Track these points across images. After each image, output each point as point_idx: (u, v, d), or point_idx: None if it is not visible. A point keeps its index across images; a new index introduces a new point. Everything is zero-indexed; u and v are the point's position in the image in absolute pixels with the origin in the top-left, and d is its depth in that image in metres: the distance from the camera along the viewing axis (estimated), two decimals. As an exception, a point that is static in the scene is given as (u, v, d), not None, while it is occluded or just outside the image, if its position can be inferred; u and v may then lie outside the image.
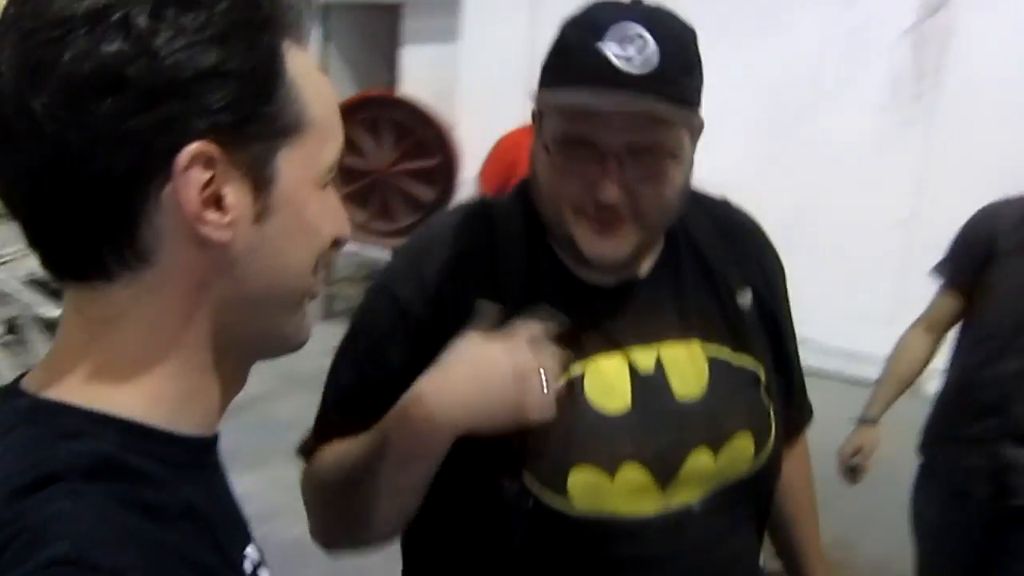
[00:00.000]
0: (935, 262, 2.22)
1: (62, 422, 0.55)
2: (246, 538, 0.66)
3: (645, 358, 1.10)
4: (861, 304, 5.28)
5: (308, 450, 1.14)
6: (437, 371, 0.96)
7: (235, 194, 0.57)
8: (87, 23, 0.52)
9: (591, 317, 1.09)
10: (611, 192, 0.99)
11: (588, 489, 1.04)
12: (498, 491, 1.03)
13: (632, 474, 1.06)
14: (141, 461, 0.55)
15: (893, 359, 2.25)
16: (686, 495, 1.09)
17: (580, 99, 0.98)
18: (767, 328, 1.21)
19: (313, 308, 0.69)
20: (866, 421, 2.28)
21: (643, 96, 0.96)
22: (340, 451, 1.07)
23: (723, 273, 1.18)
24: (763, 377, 1.17)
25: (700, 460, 1.09)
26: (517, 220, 1.12)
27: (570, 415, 1.02)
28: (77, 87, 0.52)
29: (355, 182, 5.71)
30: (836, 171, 5.19)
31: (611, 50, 0.95)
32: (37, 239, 0.58)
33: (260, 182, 0.58)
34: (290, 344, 0.66)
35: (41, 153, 0.53)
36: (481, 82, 6.18)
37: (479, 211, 1.17)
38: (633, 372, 1.09)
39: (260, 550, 0.67)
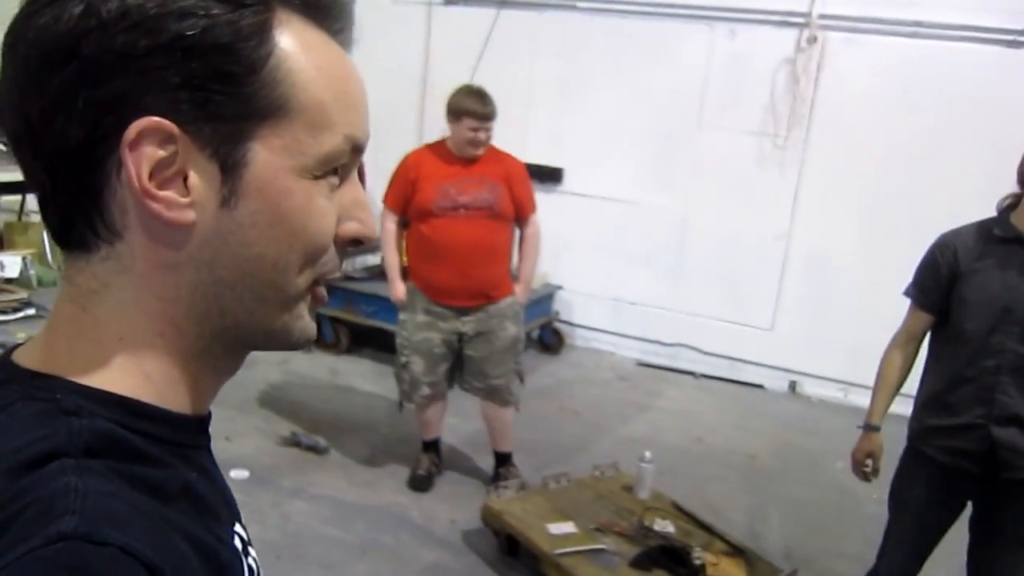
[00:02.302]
0: (904, 286, 2.52)
1: (60, 398, 0.54)
2: (235, 516, 0.66)
3: None
4: (744, 313, 5.64)
5: None
6: None
7: (199, 175, 0.55)
8: None
9: None
10: None
11: None
12: None
13: None
14: (139, 439, 0.55)
15: (882, 372, 2.54)
16: None
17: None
18: None
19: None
20: (870, 428, 2.55)
21: None
22: None
23: None
24: None
25: None
26: None
27: None
28: (36, 60, 0.53)
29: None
30: (720, 189, 5.55)
31: None
32: (39, 206, 0.59)
33: (228, 165, 0.55)
34: (280, 342, 0.62)
35: (13, 123, 0.55)
36: (375, 101, 6.23)
37: None
38: None
39: (246, 529, 0.67)
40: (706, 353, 5.78)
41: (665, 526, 3.15)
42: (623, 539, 3.05)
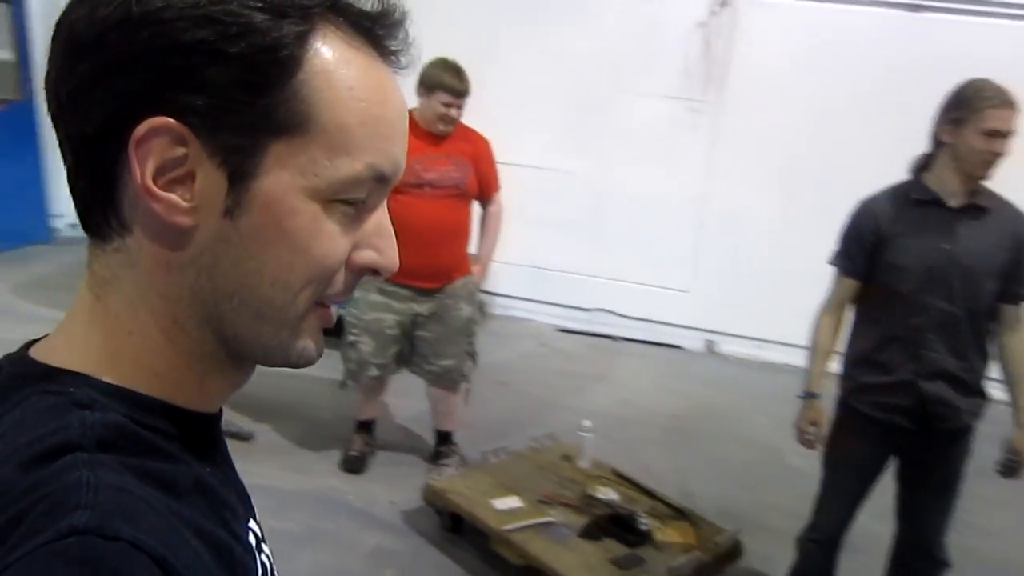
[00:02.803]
0: (830, 254, 2.56)
1: (74, 392, 0.54)
2: (248, 513, 0.66)
3: None
4: (660, 275, 5.72)
5: None
6: None
7: (205, 180, 0.54)
8: None
9: None
10: None
11: None
12: None
13: None
14: (150, 434, 0.55)
15: (815, 340, 2.59)
16: None
17: None
18: None
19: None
20: (810, 396, 2.59)
21: None
22: None
23: None
24: None
25: None
26: None
27: None
28: (68, 46, 0.54)
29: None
30: (635, 153, 5.57)
31: None
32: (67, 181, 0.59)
33: (236, 175, 0.54)
34: (278, 359, 0.61)
35: (50, 102, 0.57)
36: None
37: None
38: None
39: (260, 525, 0.67)
40: (625, 316, 5.85)
41: (609, 494, 3.17)
42: (569, 510, 3.05)
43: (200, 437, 0.61)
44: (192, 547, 0.51)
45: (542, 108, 5.70)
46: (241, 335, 0.59)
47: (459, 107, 3.32)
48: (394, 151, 0.58)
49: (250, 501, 0.68)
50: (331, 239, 0.57)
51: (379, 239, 0.60)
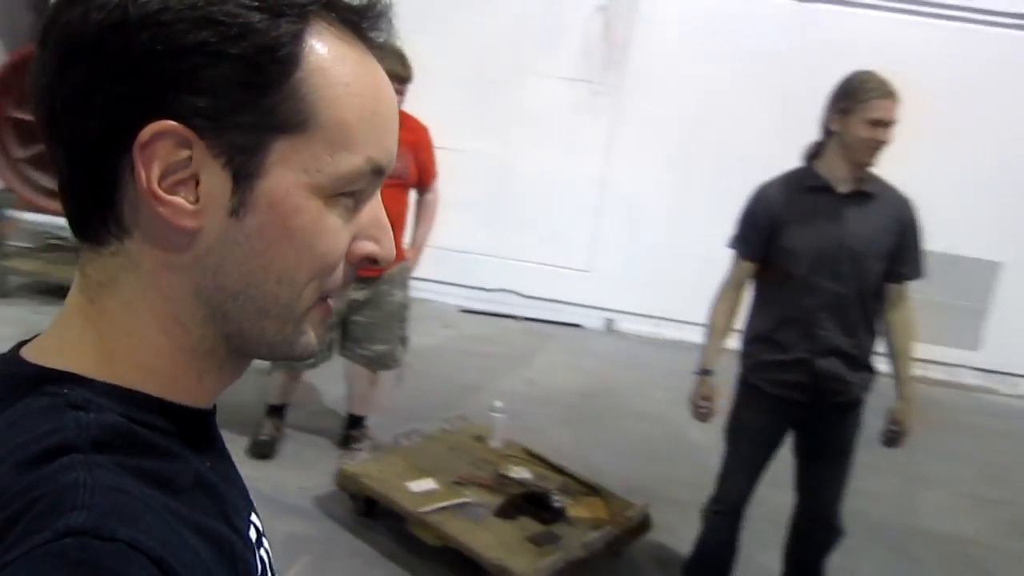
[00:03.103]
0: (728, 237, 2.68)
1: (68, 392, 0.54)
2: (248, 507, 0.65)
3: None
4: (561, 255, 5.82)
5: None
6: None
7: (210, 182, 0.54)
8: None
9: None
10: None
11: None
12: None
13: None
14: (148, 432, 0.55)
15: (713, 320, 2.70)
16: None
17: None
18: None
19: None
20: (705, 373, 2.69)
21: None
22: None
23: None
24: None
25: None
26: None
27: None
28: (62, 51, 0.53)
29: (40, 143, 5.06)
30: (537, 134, 5.63)
31: None
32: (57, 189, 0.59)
33: (241, 174, 0.54)
34: (282, 354, 0.61)
35: (42, 109, 0.56)
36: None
37: None
38: None
39: (260, 519, 0.66)
40: (527, 296, 5.92)
41: (522, 473, 3.24)
42: (484, 490, 3.09)
43: (198, 432, 0.61)
44: (191, 546, 0.51)
45: (444, 88, 5.66)
46: (246, 332, 0.59)
47: (402, 94, 3.23)
48: (389, 143, 0.59)
49: (249, 495, 0.67)
50: (334, 234, 0.58)
51: (377, 230, 0.61)
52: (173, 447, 0.56)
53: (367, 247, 0.60)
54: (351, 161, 0.56)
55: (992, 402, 5.83)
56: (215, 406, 0.65)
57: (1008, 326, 5.85)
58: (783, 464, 2.76)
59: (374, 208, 0.61)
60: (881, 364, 2.65)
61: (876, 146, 2.42)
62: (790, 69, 5.07)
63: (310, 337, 0.61)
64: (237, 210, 0.55)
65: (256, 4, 0.52)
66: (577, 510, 3.04)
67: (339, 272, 0.60)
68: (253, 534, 0.63)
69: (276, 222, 0.55)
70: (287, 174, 0.55)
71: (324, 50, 0.55)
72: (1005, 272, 5.84)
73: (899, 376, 2.64)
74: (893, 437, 2.66)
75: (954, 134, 5.17)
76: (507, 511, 2.95)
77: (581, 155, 5.60)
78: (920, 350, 2.68)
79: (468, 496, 3.04)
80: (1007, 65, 5.42)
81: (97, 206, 0.56)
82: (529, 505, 2.98)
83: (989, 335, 5.93)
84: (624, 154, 5.58)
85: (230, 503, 0.60)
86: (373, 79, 0.58)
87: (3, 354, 0.60)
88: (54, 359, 0.57)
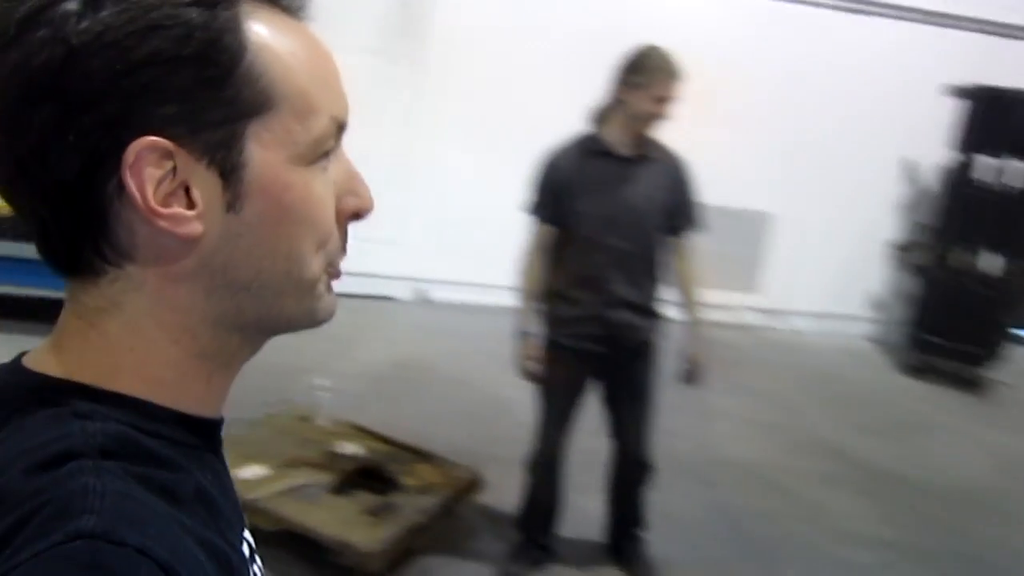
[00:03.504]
0: (525, 203, 2.82)
1: (73, 402, 0.54)
2: (241, 522, 0.65)
3: None
4: (370, 228, 5.79)
5: None
6: None
7: (201, 185, 0.54)
8: (21, 31, 0.51)
9: None
10: None
11: None
12: None
13: None
14: (153, 442, 0.55)
15: (523, 283, 2.83)
16: None
17: None
18: None
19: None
20: (525, 334, 2.82)
21: None
22: None
23: None
24: None
25: None
26: None
27: None
28: (16, 99, 0.52)
29: None
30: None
31: None
32: (35, 240, 0.58)
33: (227, 169, 0.55)
34: (304, 324, 0.63)
35: (4, 165, 0.55)
36: None
37: None
38: None
39: (253, 535, 0.67)
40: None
41: (351, 448, 3.28)
42: (316, 469, 3.10)
43: (202, 444, 0.61)
44: (194, 555, 0.51)
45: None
46: (264, 317, 0.60)
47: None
48: (342, 96, 0.61)
49: (241, 510, 0.67)
50: (323, 200, 0.59)
51: (353, 182, 0.62)
52: (176, 458, 0.56)
53: (351, 202, 0.62)
54: (319, 123, 0.58)
55: (770, 338, 6.50)
56: (223, 419, 0.65)
57: (779, 269, 6.54)
58: (595, 413, 2.98)
59: (344, 163, 0.62)
60: (672, 311, 2.93)
61: (658, 119, 2.66)
62: (583, 41, 5.32)
63: (328, 299, 0.63)
64: (233, 204, 0.56)
65: (188, 0, 0.53)
66: (410, 478, 3.13)
67: (335, 235, 0.61)
68: (246, 549, 0.63)
69: (271, 204, 0.57)
70: (268, 155, 0.56)
71: (261, 27, 0.56)
72: (775, 222, 6.49)
73: (690, 320, 2.93)
74: (689, 376, 2.95)
75: (729, 99, 5.65)
76: (342, 487, 2.99)
77: (385, 127, 5.59)
78: (706, 295, 2.96)
79: (300, 478, 3.04)
80: (771, 36, 5.99)
81: (90, 239, 0.55)
82: (363, 479, 3.04)
83: (764, 279, 6.58)
84: (428, 125, 5.64)
85: (226, 518, 0.60)
86: (309, 40, 0.59)
87: (5, 364, 0.60)
88: (57, 369, 0.57)
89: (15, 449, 0.52)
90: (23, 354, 0.61)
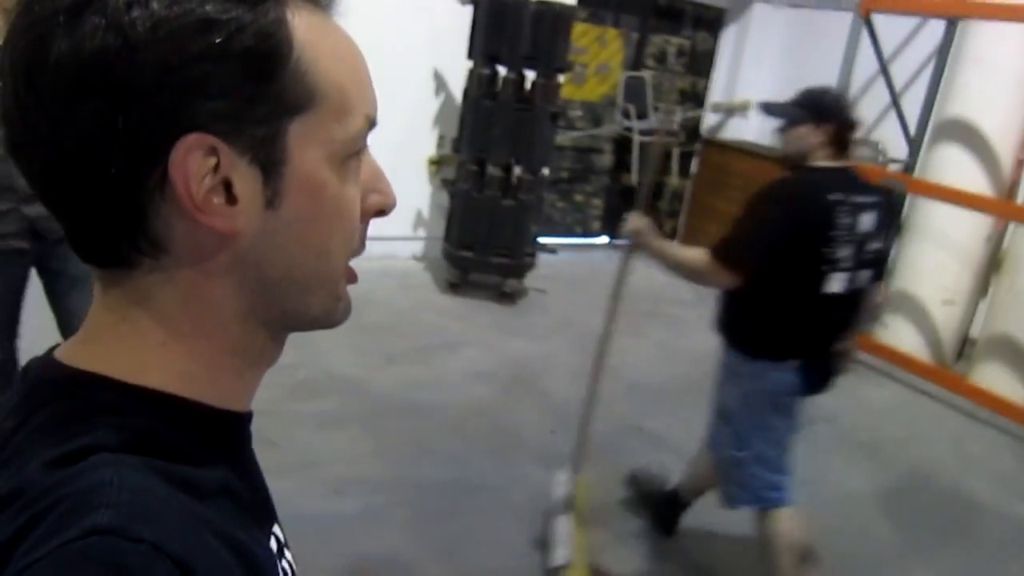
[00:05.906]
0: None
1: (99, 395, 0.54)
2: (272, 518, 0.66)
3: None
4: None
5: None
6: None
7: (242, 181, 0.54)
8: (71, 16, 0.49)
9: None
10: None
11: None
12: None
13: None
14: (177, 436, 0.55)
15: None
16: None
17: None
18: None
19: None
20: None
21: None
22: None
23: None
24: None
25: None
26: None
27: None
28: (63, 89, 0.50)
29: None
30: None
31: None
32: (65, 231, 0.56)
33: (268, 166, 0.55)
34: (324, 323, 0.63)
35: (43, 155, 0.53)
36: None
37: None
38: None
39: (283, 530, 0.67)
40: None
41: None
42: None
43: (230, 438, 0.61)
44: (214, 550, 0.50)
45: None
46: (289, 313, 0.60)
47: None
48: (374, 95, 0.61)
49: (273, 505, 0.68)
50: (354, 199, 0.60)
51: (378, 182, 0.63)
52: (202, 452, 0.56)
53: (376, 200, 0.63)
54: (355, 121, 0.58)
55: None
56: (251, 413, 0.64)
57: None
58: None
59: (369, 161, 0.63)
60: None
61: None
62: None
63: (346, 301, 0.64)
64: (272, 200, 0.56)
65: None
66: None
67: (357, 233, 0.62)
68: (274, 544, 0.63)
69: (309, 202, 0.57)
70: (307, 152, 0.56)
71: (304, 25, 0.55)
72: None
73: None
74: None
75: None
76: None
77: None
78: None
79: None
80: None
81: (127, 232, 0.54)
82: None
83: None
84: None
85: (252, 512, 0.60)
86: (344, 39, 0.59)
87: (39, 356, 0.61)
88: (87, 363, 0.56)
89: (39, 442, 0.52)
90: (56, 346, 0.60)
